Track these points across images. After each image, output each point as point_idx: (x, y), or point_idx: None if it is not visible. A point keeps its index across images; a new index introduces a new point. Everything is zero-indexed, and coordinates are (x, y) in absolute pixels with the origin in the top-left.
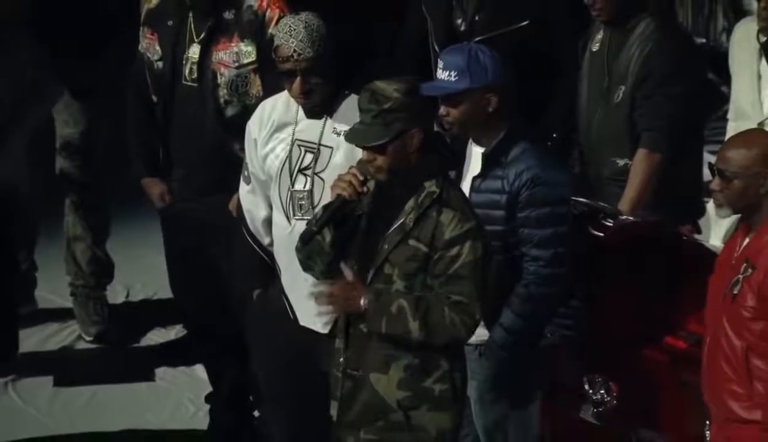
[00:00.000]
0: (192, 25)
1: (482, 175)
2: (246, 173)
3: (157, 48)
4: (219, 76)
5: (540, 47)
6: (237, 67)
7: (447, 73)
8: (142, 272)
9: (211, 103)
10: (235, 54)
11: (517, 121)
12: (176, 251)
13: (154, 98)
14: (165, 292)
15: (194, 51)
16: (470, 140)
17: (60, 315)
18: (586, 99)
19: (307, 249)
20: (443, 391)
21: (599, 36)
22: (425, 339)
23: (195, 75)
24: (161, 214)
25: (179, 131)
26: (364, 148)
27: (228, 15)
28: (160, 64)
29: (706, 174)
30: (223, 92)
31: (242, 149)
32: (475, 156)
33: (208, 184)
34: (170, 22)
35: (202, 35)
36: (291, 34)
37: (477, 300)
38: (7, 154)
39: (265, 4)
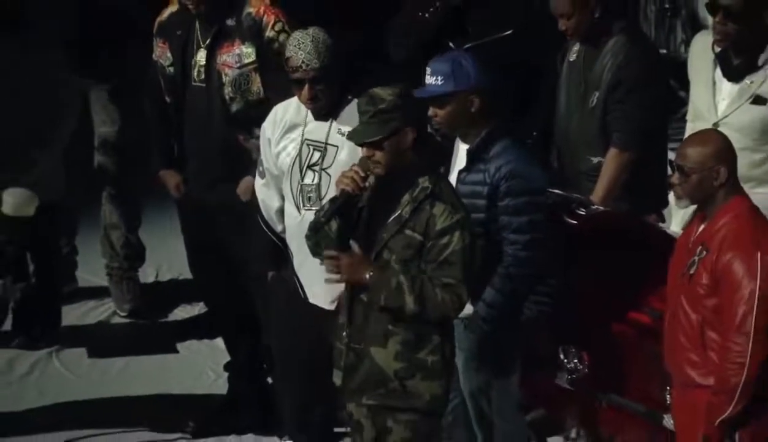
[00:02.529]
0: (198, 33)
1: (467, 168)
2: (261, 169)
3: (169, 55)
4: (224, 77)
5: (524, 54)
6: (239, 68)
7: (434, 78)
8: (169, 255)
9: (218, 101)
10: (237, 56)
11: (498, 120)
12: (193, 236)
13: (168, 99)
14: (189, 273)
15: (201, 55)
16: (457, 138)
17: (97, 293)
18: (564, 103)
19: (316, 237)
20: (435, 362)
21: (576, 47)
22: (419, 313)
23: (203, 76)
24: (178, 202)
25: (191, 127)
26: (362, 145)
27: (230, 22)
28: (171, 69)
29: (669, 169)
30: (228, 90)
31: (246, 140)
32: (462, 152)
33: (218, 172)
34: (179, 32)
35: (207, 41)
36: (299, 47)
37: (464, 282)
38: (50, 152)
39: (262, 10)
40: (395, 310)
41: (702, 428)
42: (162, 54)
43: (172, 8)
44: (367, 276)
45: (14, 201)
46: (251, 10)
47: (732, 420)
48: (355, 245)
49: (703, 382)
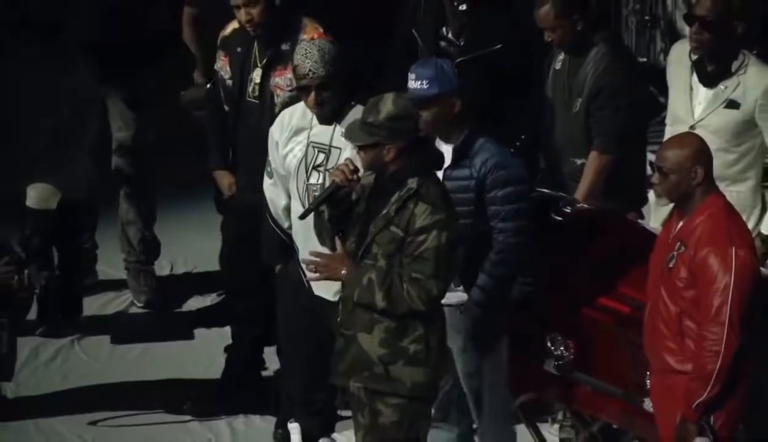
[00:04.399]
0: (256, 53)
1: (452, 166)
2: (269, 169)
3: (228, 69)
4: (276, 97)
5: (512, 65)
6: (290, 91)
7: (419, 82)
8: (183, 250)
9: (269, 118)
10: (290, 80)
11: (476, 121)
12: (232, 232)
13: (226, 108)
14: (202, 266)
15: (257, 74)
16: (437, 140)
17: (116, 285)
18: (550, 109)
19: (318, 226)
20: (417, 351)
21: (561, 57)
22: (388, 308)
23: (257, 93)
24: (226, 200)
25: (243, 137)
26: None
27: (285, 46)
28: (230, 82)
29: (649, 169)
30: (278, 110)
31: None
32: (444, 153)
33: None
34: (239, 49)
35: (264, 61)
36: (306, 56)
37: (433, 279)
38: (77, 154)
39: (315, 38)
40: (367, 305)
41: (680, 411)
42: (223, 67)
43: (235, 25)
44: (343, 273)
45: (38, 195)
46: (305, 37)
47: (707, 404)
48: (338, 243)
49: (681, 368)
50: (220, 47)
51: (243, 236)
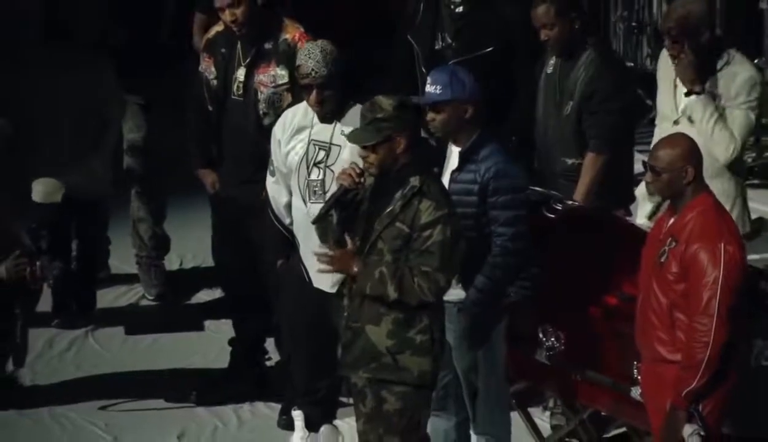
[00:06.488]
0: (240, 52)
1: (459, 169)
2: (271, 168)
3: (213, 69)
4: (259, 94)
5: (503, 68)
6: (274, 87)
7: (434, 87)
8: (192, 245)
9: (253, 114)
10: (273, 76)
11: (486, 127)
12: (221, 227)
13: (210, 107)
14: (210, 261)
15: (241, 73)
16: (450, 143)
17: (128, 279)
18: (542, 111)
19: (321, 227)
20: (423, 341)
21: (552, 61)
22: (399, 300)
23: (241, 91)
24: (211, 197)
25: (228, 134)
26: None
27: (268, 45)
28: (214, 81)
29: (637, 168)
30: (262, 106)
31: None
32: (454, 155)
33: (248, 175)
34: (223, 50)
35: (247, 60)
36: (309, 56)
37: (441, 271)
38: (100, 154)
39: (296, 37)
40: (379, 297)
41: (670, 399)
42: (207, 67)
43: (219, 28)
44: (355, 268)
45: (43, 190)
46: (287, 36)
47: (697, 392)
48: (349, 240)
49: (671, 358)
50: (204, 50)
51: (231, 232)
